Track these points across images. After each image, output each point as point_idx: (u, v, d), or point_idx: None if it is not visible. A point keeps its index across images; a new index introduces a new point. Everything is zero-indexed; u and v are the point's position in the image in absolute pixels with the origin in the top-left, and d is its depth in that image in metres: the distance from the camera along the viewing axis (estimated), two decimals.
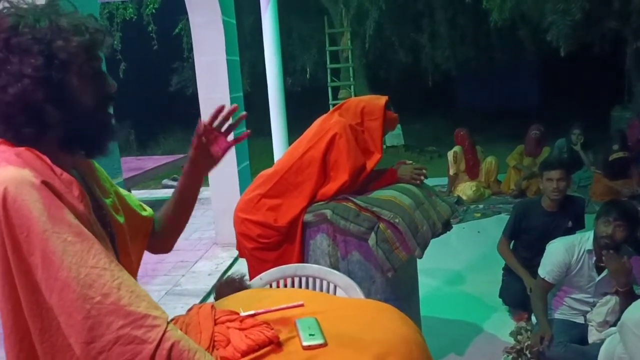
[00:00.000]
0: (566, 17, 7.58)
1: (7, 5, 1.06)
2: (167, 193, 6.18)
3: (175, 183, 7.20)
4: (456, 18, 10.43)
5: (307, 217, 2.33)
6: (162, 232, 1.45)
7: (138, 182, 6.06)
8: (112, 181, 1.32)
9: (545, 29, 7.99)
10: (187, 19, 5.39)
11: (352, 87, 10.28)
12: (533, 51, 10.18)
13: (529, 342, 2.71)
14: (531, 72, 14.35)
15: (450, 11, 10.31)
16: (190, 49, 7.86)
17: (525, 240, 3.25)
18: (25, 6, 1.07)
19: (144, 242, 1.40)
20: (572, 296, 2.68)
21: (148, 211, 1.42)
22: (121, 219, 1.24)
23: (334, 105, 9.22)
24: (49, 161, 1.03)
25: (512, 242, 3.34)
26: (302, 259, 2.34)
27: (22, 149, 1.02)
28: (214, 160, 1.38)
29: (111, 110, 1.18)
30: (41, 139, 1.05)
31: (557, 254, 2.63)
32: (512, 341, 2.86)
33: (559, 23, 7.64)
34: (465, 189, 6.03)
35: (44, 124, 1.04)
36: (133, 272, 1.32)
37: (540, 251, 2.77)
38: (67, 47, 1.03)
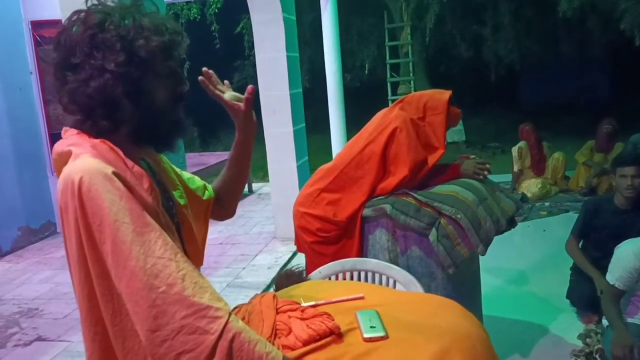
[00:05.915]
0: None
1: (96, 2, 1.12)
2: None
3: None
4: (521, 9, 10.07)
5: (366, 211, 2.32)
6: (222, 200, 1.48)
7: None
8: (176, 169, 1.36)
9: (618, 18, 7.62)
10: (249, 18, 5.50)
11: (411, 82, 10.10)
12: (604, 42, 9.71)
13: (599, 346, 2.59)
14: (602, 64, 13.61)
15: (514, 2, 9.97)
16: (251, 47, 8.02)
17: (596, 239, 3.11)
18: (112, 4, 1.12)
19: (206, 222, 1.44)
20: None
21: (209, 192, 1.45)
22: (182, 201, 1.28)
23: (393, 101, 9.14)
24: (122, 154, 1.07)
25: (582, 241, 3.20)
26: (361, 253, 2.33)
27: (97, 140, 1.07)
28: (247, 117, 1.35)
29: (183, 109, 1.22)
30: (115, 132, 1.10)
31: (626, 259, 2.47)
32: (579, 344, 2.75)
33: (634, 11, 7.29)
34: (531, 186, 5.83)
35: (119, 118, 1.10)
36: (200, 257, 1.36)
37: (612, 251, 2.63)
38: (147, 46, 1.08)
